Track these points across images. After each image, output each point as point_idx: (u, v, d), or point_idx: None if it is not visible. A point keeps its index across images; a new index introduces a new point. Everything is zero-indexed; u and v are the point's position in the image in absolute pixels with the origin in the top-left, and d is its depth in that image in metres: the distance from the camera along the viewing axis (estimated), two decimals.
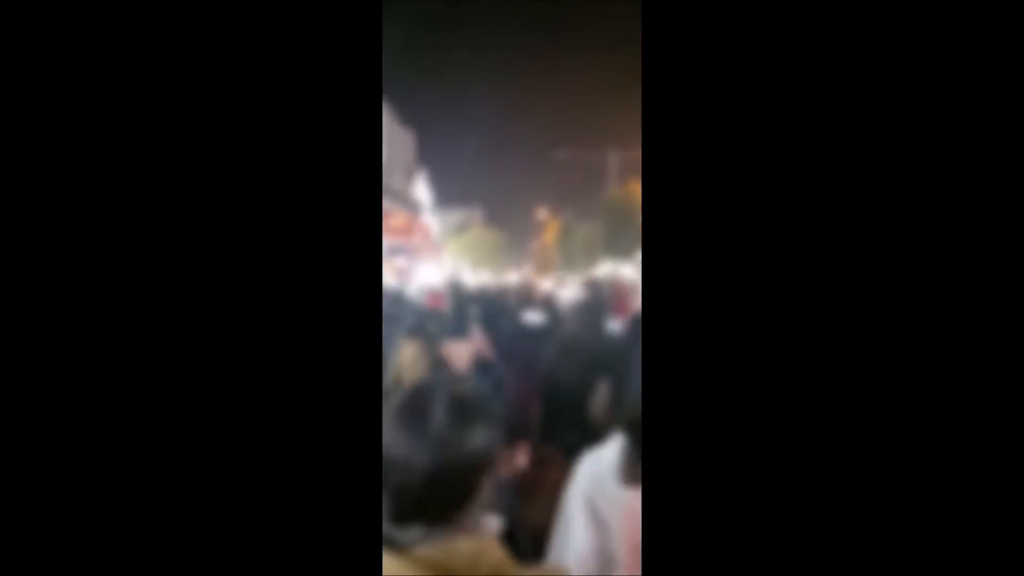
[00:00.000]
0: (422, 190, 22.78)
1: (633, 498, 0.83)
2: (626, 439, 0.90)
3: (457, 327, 2.09)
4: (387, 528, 0.58)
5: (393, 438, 0.60)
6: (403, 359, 2.05)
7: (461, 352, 1.95)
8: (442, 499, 0.59)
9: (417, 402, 0.62)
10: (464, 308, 3.21)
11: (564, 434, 1.79)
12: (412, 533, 0.58)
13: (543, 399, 2.00)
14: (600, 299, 2.46)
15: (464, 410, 0.61)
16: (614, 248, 18.19)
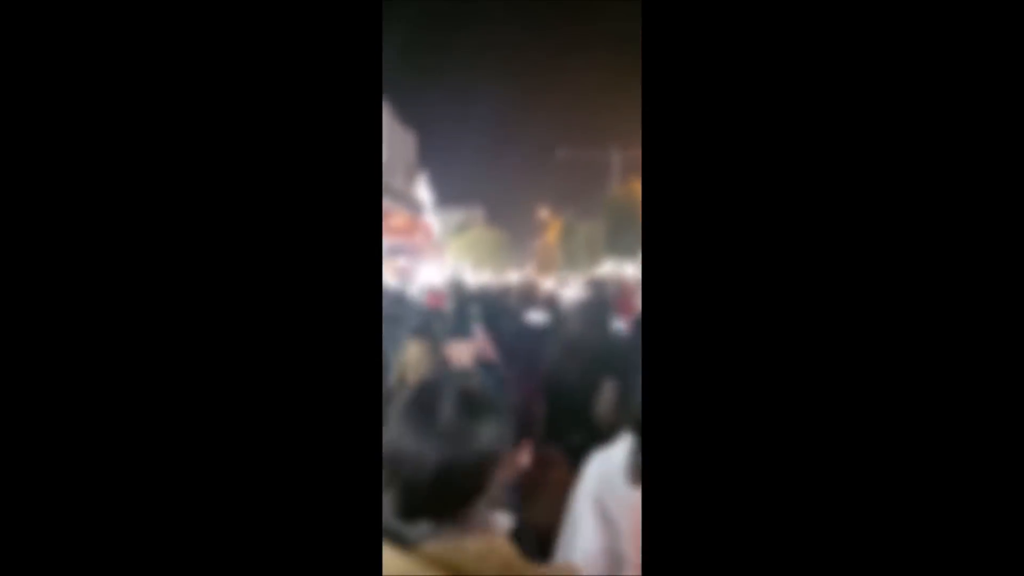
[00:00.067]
0: (423, 190, 22.80)
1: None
2: (635, 439, 0.90)
3: (458, 327, 2.08)
4: (395, 524, 0.58)
5: (401, 433, 0.59)
6: (408, 358, 2.06)
7: (462, 352, 1.95)
8: (450, 495, 0.58)
9: (425, 397, 0.61)
10: (465, 308, 3.20)
11: (568, 434, 1.78)
12: (420, 529, 0.58)
13: (546, 399, 2.00)
14: (604, 298, 2.45)
15: (473, 405, 0.60)
16: (617, 247, 18.17)
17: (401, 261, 9.89)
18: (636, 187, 19.35)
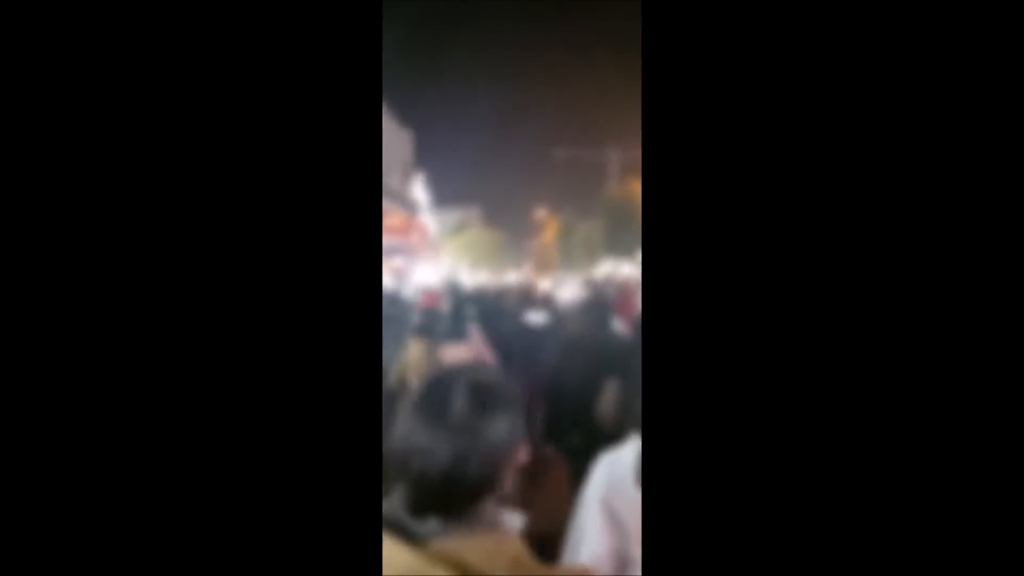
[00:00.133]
0: (420, 190, 22.77)
1: None
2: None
3: (455, 329, 2.07)
4: (405, 520, 0.57)
5: (412, 428, 0.58)
6: (409, 358, 2.06)
7: (458, 356, 1.94)
8: (461, 492, 0.57)
9: (436, 392, 0.60)
10: (462, 308, 3.19)
11: (567, 436, 1.77)
12: (429, 526, 0.57)
13: (546, 400, 1.99)
14: (604, 298, 2.44)
15: (484, 400, 0.59)
16: (615, 247, 18.18)
17: (397, 261, 9.87)
18: (634, 187, 19.38)
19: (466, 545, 0.55)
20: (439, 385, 0.61)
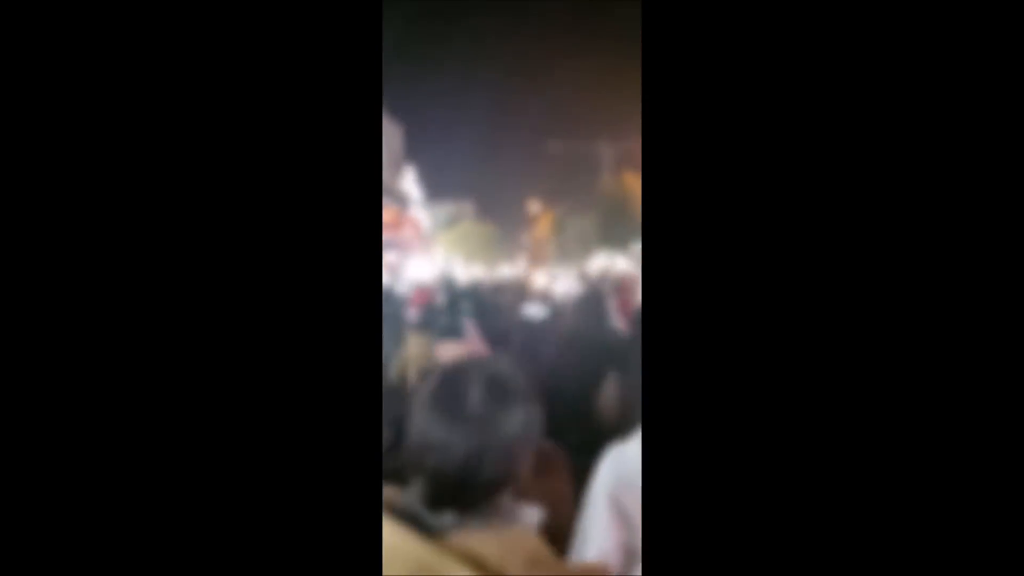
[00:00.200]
0: (411, 183, 22.64)
1: None
2: None
3: (451, 325, 2.01)
4: (421, 513, 0.57)
5: (427, 421, 0.58)
6: (409, 353, 2.06)
7: (454, 354, 1.89)
8: (477, 485, 0.57)
9: (452, 385, 0.59)
10: (457, 304, 3.14)
11: (567, 432, 1.72)
12: (446, 519, 0.57)
13: (545, 396, 1.93)
14: (601, 293, 2.39)
15: (500, 392, 0.59)
16: (609, 239, 18.16)
17: (390, 256, 9.80)
18: (627, 179, 19.36)
19: (482, 539, 0.55)
20: (454, 379, 0.60)
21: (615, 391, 1.73)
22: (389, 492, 0.60)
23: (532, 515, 0.61)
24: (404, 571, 0.52)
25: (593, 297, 2.23)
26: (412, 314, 3.51)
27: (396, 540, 0.54)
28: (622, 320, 2.52)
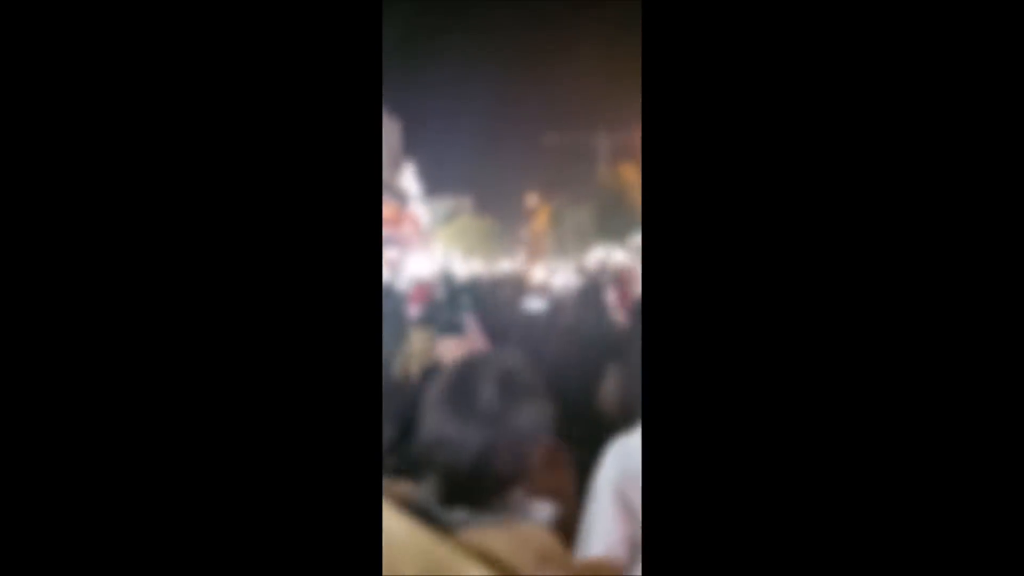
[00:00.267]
0: (410, 179, 22.56)
1: None
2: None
3: (451, 321, 2.02)
4: (434, 508, 0.57)
5: (439, 417, 0.58)
6: (412, 349, 2.06)
7: (454, 351, 1.90)
8: (489, 481, 0.57)
9: (464, 380, 0.59)
10: (457, 299, 3.14)
11: (569, 426, 1.73)
12: (458, 515, 0.56)
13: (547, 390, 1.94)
14: (600, 286, 2.40)
15: (512, 388, 0.58)
16: (606, 232, 18.12)
17: (390, 252, 9.79)
18: (624, 171, 19.29)
19: (494, 536, 0.55)
20: (466, 375, 0.60)
21: (616, 384, 1.73)
22: (402, 488, 0.60)
23: (543, 511, 0.61)
24: (416, 566, 0.52)
25: (592, 290, 2.23)
26: (412, 310, 3.52)
27: (408, 535, 0.54)
28: (621, 312, 2.52)
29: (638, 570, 0.85)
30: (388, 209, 11.48)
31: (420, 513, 0.56)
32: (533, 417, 0.58)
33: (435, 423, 0.58)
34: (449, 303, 3.07)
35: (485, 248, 22.92)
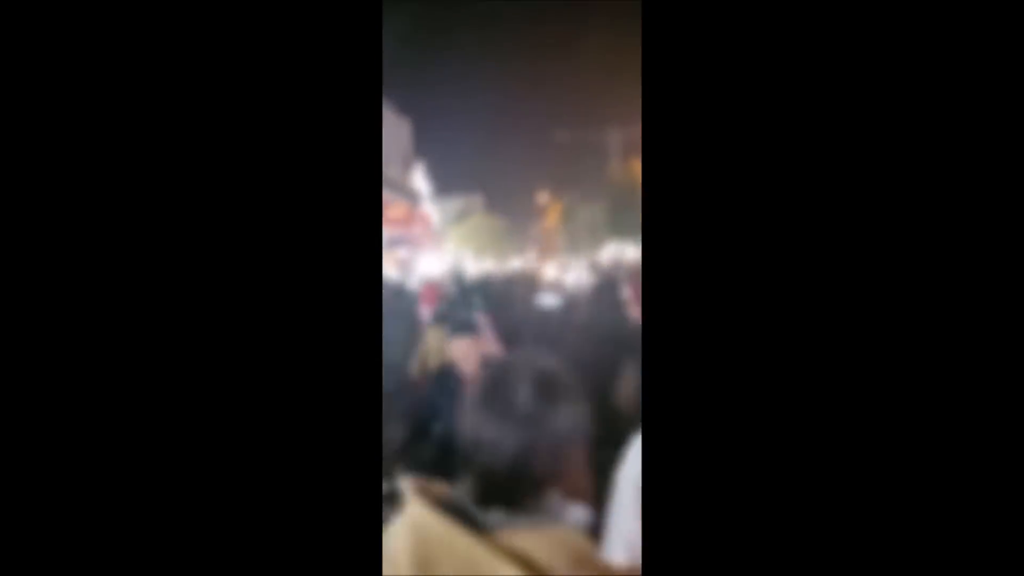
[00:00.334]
0: (420, 179, 22.64)
1: None
2: None
3: (463, 321, 1.99)
4: (471, 509, 0.58)
5: (476, 418, 0.58)
6: (429, 346, 2.08)
7: (467, 351, 1.87)
8: (526, 483, 0.57)
9: (501, 381, 0.59)
10: (469, 299, 3.12)
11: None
12: (495, 516, 0.57)
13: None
14: (616, 283, 2.35)
15: (550, 389, 0.58)
16: (619, 228, 18.01)
17: (401, 253, 9.82)
18: (636, 167, 19.14)
19: (530, 538, 0.55)
20: (504, 375, 0.60)
21: (633, 381, 1.70)
22: (437, 488, 0.61)
23: (578, 514, 0.61)
24: (452, 566, 0.53)
25: (608, 286, 2.19)
26: (424, 310, 3.50)
27: (445, 535, 0.54)
28: (637, 309, 2.48)
29: None
30: (399, 209, 11.51)
31: (456, 513, 0.56)
32: (571, 419, 0.58)
33: (472, 424, 0.58)
34: (461, 302, 3.04)
35: (496, 247, 22.92)
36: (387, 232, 9.27)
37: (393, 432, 1.77)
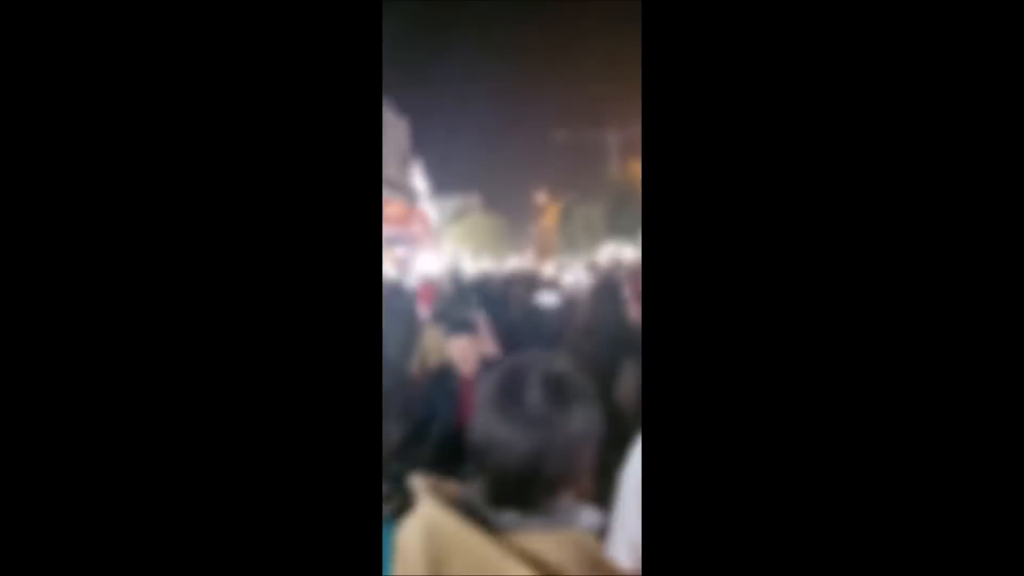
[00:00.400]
0: (418, 178, 22.60)
1: None
2: None
3: (461, 320, 1.98)
4: (484, 510, 0.57)
5: (488, 419, 0.58)
6: (428, 344, 2.06)
7: (465, 350, 1.86)
8: (538, 485, 0.56)
9: (513, 382, 0.59)
10: (467, 298, 3.10)
11: None
12: (507, 517, 0.57)
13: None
14: (616, 283, 2.34)
15: (561, 391, 0.57)
16: (617, 229, 18.01)
17: (399, 251, 9.80)
18: (635, 168, 19.17)
19: (543, 540, 0.54)
20: (514, 376, 0.59)
21: (634, 380, 1.69)
22: (448, 487, 0.60)
23: (591, 517, 0.60)
24: (466, 566, 0.52)
25: (608, 286, 2.17)
26: (421, 310, 3.48)
27: (459, 534, 0.54)
28: (637, 309, 2.46)
29: None
30: (397, 208, 11.48)
31: (468, 513, 0.56)
32: (584, 421, 0.57)
33: (485, 424, 0.58)
34: (458, 301, 3.03)
35: (494, 246, 22.89)
36: (385, 230, 9.24)
37: (390, 430, 1.75)
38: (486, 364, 1.89)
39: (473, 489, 0.59)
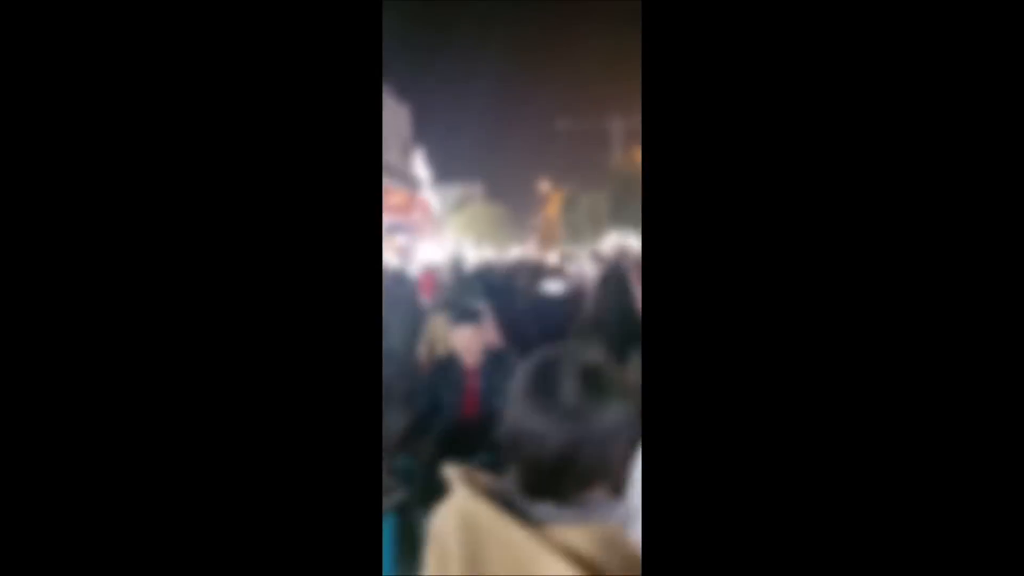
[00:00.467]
0: (420, 166, 22.47)
1: None
2: None
3: (465, 310, 1.93)
4: (519, 501, 0.58)
5: (523, 411, 0.57)
6: (435, 332, 2.05)
7: (469, 341, 1.82)
8: (572, 477, 0.56)
9: (547, 373, 0.58)
10: (470, 288, 3.06)
11: None
12: (543, 509, 0.57)
13: None
14: (626, 271, 2.29)
15: (596, 382, 0.57)
16: (620, 218, 17.91)
17: (400, 239, 9.75)
18: (638, 155, 18.99)
19: (579, 534, 0.54)
20: (548, 367, 0.59)
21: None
22: (481, 478, 0.60)
23: (625, 511, 0.60)
24: (502, 556, 0.53)
25: (616, 275, 2.12)
26: (423, 299, 3.44)
27: (495, 524, 0.54)
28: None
29: None
30: (398, 196, 11.41)
31: (505, 503, 0.56)
32: (618, 414, 0.56)
33: (519, 415, 0.58)
34: (463, 292, 2.98)
35: (497, 235, 22.81)
36: (386, 219, 9.19)
37: (392, 420, 1.72)
38: (492, 357, 1.86)
39: (506, 480, 0.59)
